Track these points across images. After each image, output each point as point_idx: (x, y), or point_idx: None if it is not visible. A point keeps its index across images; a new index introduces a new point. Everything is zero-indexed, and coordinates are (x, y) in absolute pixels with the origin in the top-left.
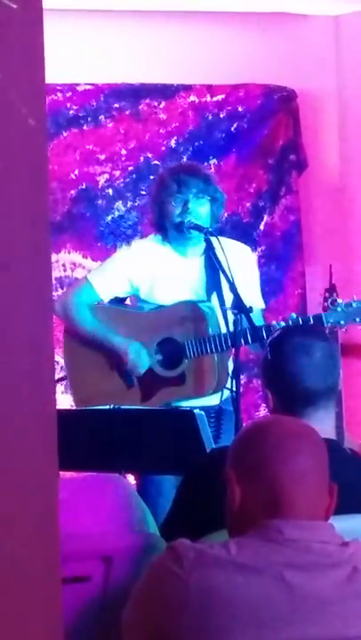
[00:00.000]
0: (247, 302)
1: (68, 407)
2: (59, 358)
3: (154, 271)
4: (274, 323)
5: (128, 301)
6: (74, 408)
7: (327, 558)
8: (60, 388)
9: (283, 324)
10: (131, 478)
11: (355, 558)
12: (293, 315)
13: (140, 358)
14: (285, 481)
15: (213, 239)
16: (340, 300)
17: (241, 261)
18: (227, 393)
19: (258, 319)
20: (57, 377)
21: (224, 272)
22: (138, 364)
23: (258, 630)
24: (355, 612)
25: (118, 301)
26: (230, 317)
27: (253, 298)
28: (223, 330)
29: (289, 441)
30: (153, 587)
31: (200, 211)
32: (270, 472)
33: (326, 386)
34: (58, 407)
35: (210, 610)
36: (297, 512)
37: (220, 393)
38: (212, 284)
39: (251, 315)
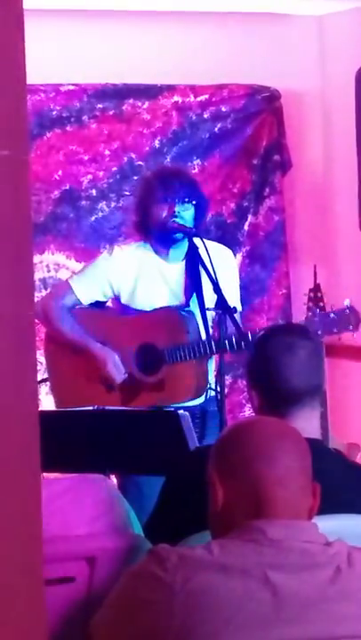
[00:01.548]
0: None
1: (51, 408)
2: (42, 359)
3: (135, 277)
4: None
5: (109, 303)
6: (57, 409)
7: (310, 558)
8: (43, 389)
9: None
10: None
11: (338, 558)
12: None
13: (119, 369)
14: (268, 481)
15: (197, 241)
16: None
17: (223, 263)
18: (211, 393)
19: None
20: (40, 378)
21: (208, 272)
22: (115, 374)
23: (243, 630)
24: (339, 611)
25: (99, 305)
26: (211, 318)
27: (233, 301)
28: (203, 335)
29: (271, 441)
30: (136, 591)
31: (185, 215)
32: (253, 473)
33: (311, 385)
34: (41, 408)
35: (195, 612)
36: (280, 512)
37: (205, 393)
38: (192, 285)
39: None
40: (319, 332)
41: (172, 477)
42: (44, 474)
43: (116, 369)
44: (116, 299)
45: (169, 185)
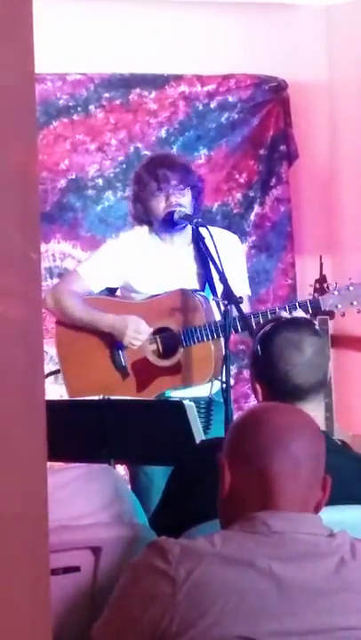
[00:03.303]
0: (235, 290)
1: (58, 398)
2: (47, 348)
3: (143, 262)
4: (265, 310)
5: (118, 292)
6: (64, 399)
7: (314, 549)
8: (50, 378)
9: (282, 312)
10: (120, 469)
11: (342, 549)
12: (296, 303)
13: (141, 328)
14: (276, 472)
15: (203, 229)
16: (336, 286)
17: (229, 249)
18: (217, 384)
19: (245, 306)
20: (51, 370)
21: (214, 263)
22: (138, 334)
23: (247, 623)
24: (343, 602)
25: (109, 292)
26: (221, 307)
27: (241, 285)
28: (218, 318)
29: (284, 432)
30: (138, 584)
31: (182, 201)
32: (262, 463)
33: (317, 381)
34: (49, 398)
35: (198, 604)
36: (286, 504)
37: (210, 384)
38: (204, 274)
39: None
40: (339, 307)
41: (177, 470)
42: (50, 463)
43: (137, 333)
44: (126, 284)
45: (159, 175)
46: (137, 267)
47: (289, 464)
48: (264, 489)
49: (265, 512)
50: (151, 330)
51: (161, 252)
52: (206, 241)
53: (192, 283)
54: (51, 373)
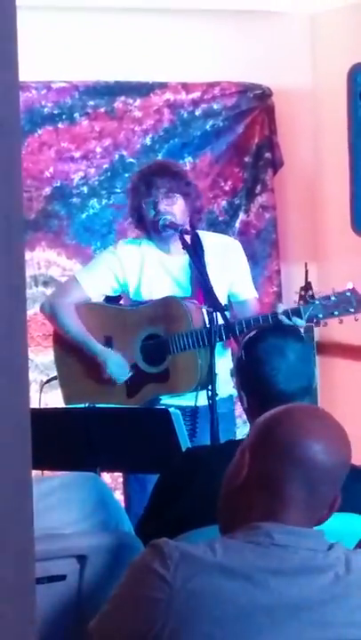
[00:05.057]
0: (241, 293)
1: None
2: (32, 356)
3: (141, 270)
4: (249, 318)
5: (122, 301)
6: (49, 407)
7: (311, 564)
8: (35, 387)
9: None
10: (107, 476)
11: (337, 563)
12: (280, 308)
13: (120, 369)
14: (292, 483)
15: (202, 235)
16: (317, 295)
17: (225, 253)
18: (202, 397)
19: (252, 309)
20: (48, 377)
21: (201, 268)
22: (117, 375)
23: (241, 636)
24: (335, 617)
25: (110, 300)
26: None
27: (244, 287)
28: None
29: (313, 446)
30: (135, 584)
31: (172, 209)
32: (275, 466)
33: (301, 387)
34: (42, 407)
35: (192, 612)
36: (293, 517)
37: (195, 393)
38: (197, 281)
39: (226, 312)
40: (320, 316)
41: (163, 477)
42: (36, 471)
43: (118, 369)
44: (124, 293)
45: (150, 183)
46: (135, 275)
47: (308, 478)
48: (273, 494)
49: (270, 523)
50: (129, 365)
51: (158, 259)
52: (197, 247)
53: (188, 290)
54: (50, 380)
